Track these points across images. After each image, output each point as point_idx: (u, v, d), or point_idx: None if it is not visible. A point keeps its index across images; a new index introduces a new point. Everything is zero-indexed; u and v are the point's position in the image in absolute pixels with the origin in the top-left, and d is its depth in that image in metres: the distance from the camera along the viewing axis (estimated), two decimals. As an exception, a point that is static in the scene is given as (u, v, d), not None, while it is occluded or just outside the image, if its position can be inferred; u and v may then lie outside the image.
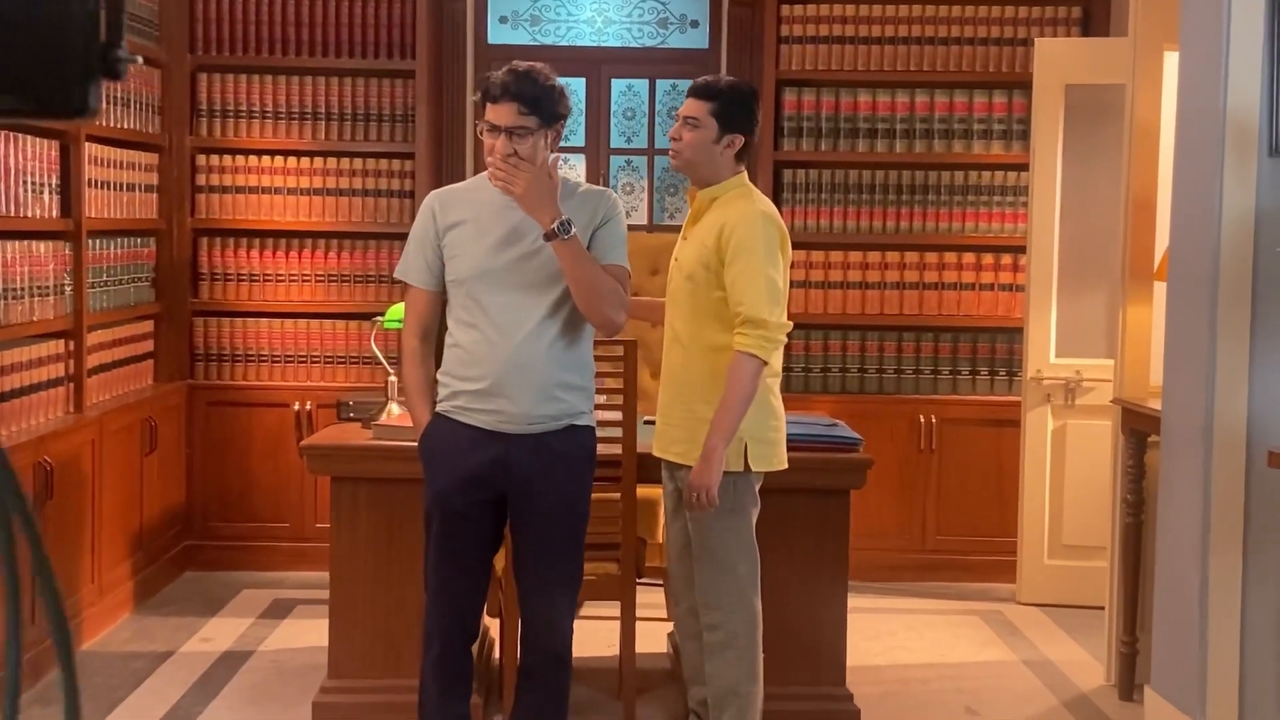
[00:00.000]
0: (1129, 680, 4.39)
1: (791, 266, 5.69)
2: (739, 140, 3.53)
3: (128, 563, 5.03)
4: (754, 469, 3.49)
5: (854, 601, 4.17)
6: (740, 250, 3.39)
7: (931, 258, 5.77)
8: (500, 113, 3.13)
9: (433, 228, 3.26)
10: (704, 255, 3.46)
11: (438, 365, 3.35)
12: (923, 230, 5.78)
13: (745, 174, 3.60)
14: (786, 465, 3.59)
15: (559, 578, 3.31)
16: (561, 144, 6.06)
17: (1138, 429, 4.35)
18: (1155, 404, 4.16)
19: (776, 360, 3.52)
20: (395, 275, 3.43)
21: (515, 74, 3.14)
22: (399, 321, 3.73)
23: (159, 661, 4.53)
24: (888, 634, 5.01)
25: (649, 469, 3.78)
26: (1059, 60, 5.38)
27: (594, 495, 3.76)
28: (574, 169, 6.25)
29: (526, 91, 3.12)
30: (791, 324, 3.48)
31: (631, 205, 6.33)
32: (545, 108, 3.15)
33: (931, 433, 5.68)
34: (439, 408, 3.28)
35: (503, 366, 3.16)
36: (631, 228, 6.19)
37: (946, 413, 5.71)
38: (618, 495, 3.82)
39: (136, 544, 5.12)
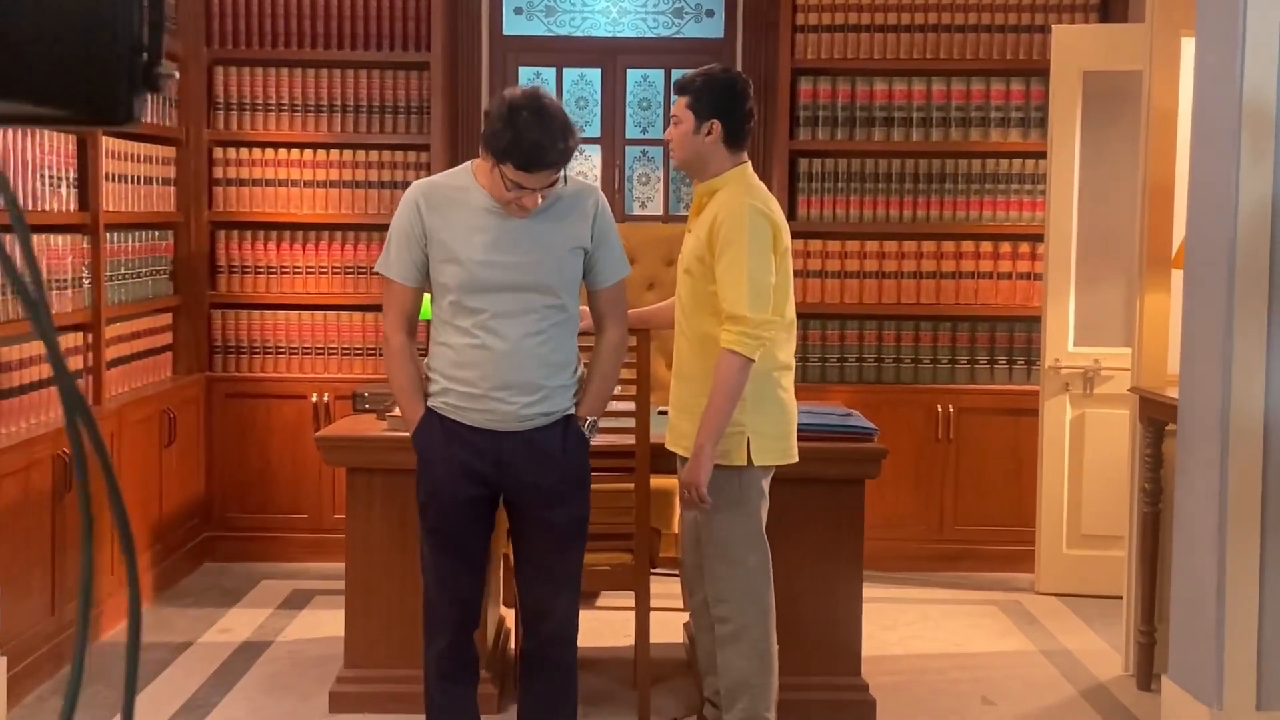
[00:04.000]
0: (1147, 670, 4.37)
1: (809, 256, 5.76)
2: (716, 125, 3.45)
3: (147, 554, 5.06)
4: (756, 463, 3.47)
5: (870, 591, 4.16)
6: (726, 245, 3.35)
7: (949, 246, 5.75)
8: (534, 179, 3.07)
9: (419, 225, 3.20)
10: (698, 249, 3.44)
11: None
12: (940, 219, 5.76)
13: (748, 165, 3.54)
14: (796, 459, 3.56)
15: (561, 565, 3.31)
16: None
17: (1155, 418, 4.33)
18: (1173, 392, 4.13)
19: (787, 352, 3.50)
20: (375, 269, 3.34)
21: (541, 147, 3.02)
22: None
23: (178, 652, 4.56)
24: (904, 624, 5.00)
25: (665, 459, 3.75)
26: (1076, 47, 5.35)
27: (610, 486, 3.77)
28: (589, 159, 6.24)
29: (560, 162, 3.08)
30: (776, 319, 3.38)
31: (648, 196, 6.33)
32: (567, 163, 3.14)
33: (949, 422, 5.66)
34: (430, 402, 3.25)
35: (496, 372, 3.15)
36: (647, 218, 6.24)
37: (964, 402, 5.69)
38: (631, 486, 3.82)
39: (156, 535, 5.15)
